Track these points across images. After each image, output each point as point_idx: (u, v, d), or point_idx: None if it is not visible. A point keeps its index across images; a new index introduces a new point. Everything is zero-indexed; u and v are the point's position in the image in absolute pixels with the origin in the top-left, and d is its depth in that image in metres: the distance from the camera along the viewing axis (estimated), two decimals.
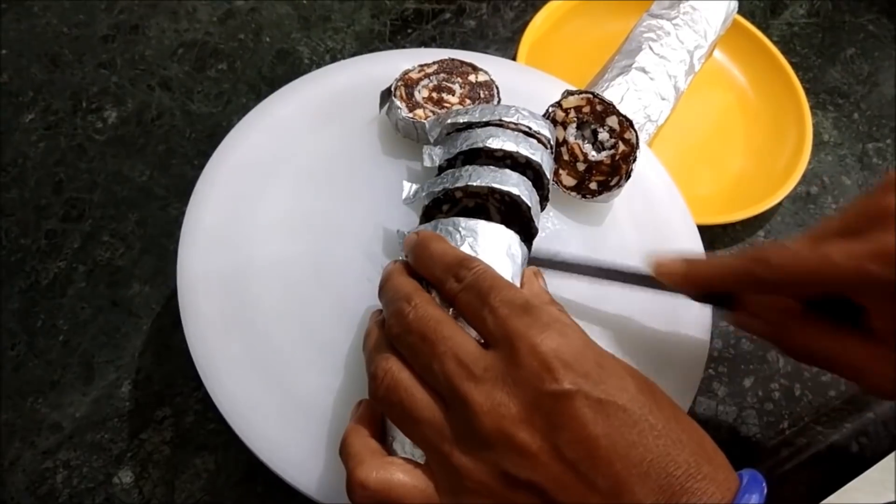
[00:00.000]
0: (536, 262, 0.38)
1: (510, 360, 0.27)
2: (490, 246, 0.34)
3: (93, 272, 0.47)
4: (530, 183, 0.37)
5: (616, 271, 0.38)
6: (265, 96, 0.46)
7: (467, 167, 0.37)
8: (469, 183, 0.36)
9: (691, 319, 0.40)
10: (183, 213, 0.40)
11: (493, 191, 0.36)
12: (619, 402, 0.26)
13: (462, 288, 0.30)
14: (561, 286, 0.40)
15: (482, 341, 0.29)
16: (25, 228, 0.49)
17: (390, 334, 0.30)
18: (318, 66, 0.59)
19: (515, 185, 0.36)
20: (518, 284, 0.34)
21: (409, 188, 0.40)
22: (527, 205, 0.36)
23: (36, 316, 0.46)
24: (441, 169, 0.40)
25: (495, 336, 0.28)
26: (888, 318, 0.31)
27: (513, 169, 0.37)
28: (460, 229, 0.34)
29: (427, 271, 0.32)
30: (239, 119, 0.44)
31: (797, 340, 0.34)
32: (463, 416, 0.27)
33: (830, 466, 0.45)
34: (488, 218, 0.38)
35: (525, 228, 0.37)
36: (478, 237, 0.34)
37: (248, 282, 0.38)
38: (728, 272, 0.34)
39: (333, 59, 0.59)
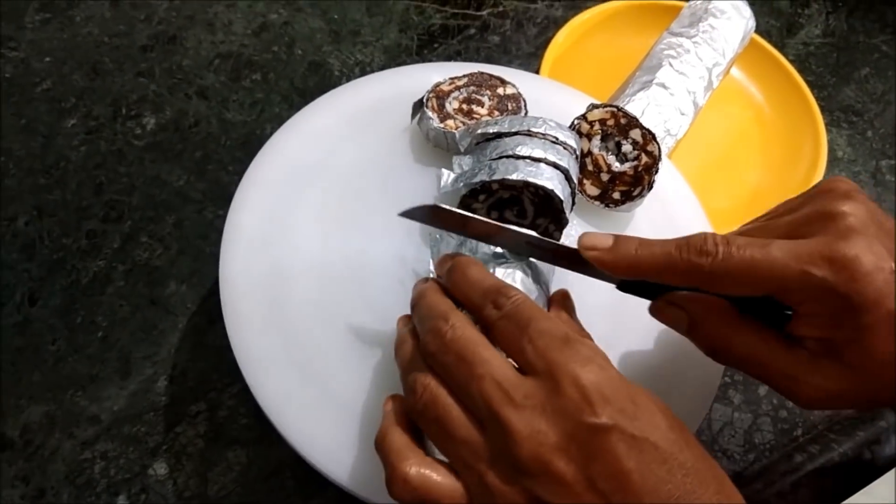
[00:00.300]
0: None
1: (551, 390, 0.27)
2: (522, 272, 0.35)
3: (131, 271, 0.49)
4: (563, 176, 0.39)
5: (548, 249, 0.35)
6: (297, 106, 0.48)
7: (503, 160, 0.39)
8: (506, 176, 0.38)
9: None
10: (218, 217, 0.41)
11: (527, 184, 0.38)
12: (651, 438, 0.27)
13: (501, 316, 0.30)
14: (580, 294, 0.41)
15: (517, 367, 0.29)
16: (67, 228, 0.51)
17: (426, 352, 0.31)
18: (348, 78, 0.61)
19: (549, 178, 0.38)
20: (545, 307, 0.35)
21: (446, 177, 0.41)
22: (559, 198, 0.38)
23: (76, 312, 0.47)
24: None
25: (535, 366, 0.28)
26: (816, 325, 0.31)
27: None
28: None
29: (463, 296, 0.33)
30: (272, 127, 0.46)
31: (719, 337, 0.34)
32: (500, 439, 0.27)
33: (843, 473, 0.46)
34: (522, 209, 0.40)
35: (556, 220, 0.39)
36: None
37: (286, 281, 0.40)
38: (663, 259, 0.33)
39: (363, 72, 0.61)
